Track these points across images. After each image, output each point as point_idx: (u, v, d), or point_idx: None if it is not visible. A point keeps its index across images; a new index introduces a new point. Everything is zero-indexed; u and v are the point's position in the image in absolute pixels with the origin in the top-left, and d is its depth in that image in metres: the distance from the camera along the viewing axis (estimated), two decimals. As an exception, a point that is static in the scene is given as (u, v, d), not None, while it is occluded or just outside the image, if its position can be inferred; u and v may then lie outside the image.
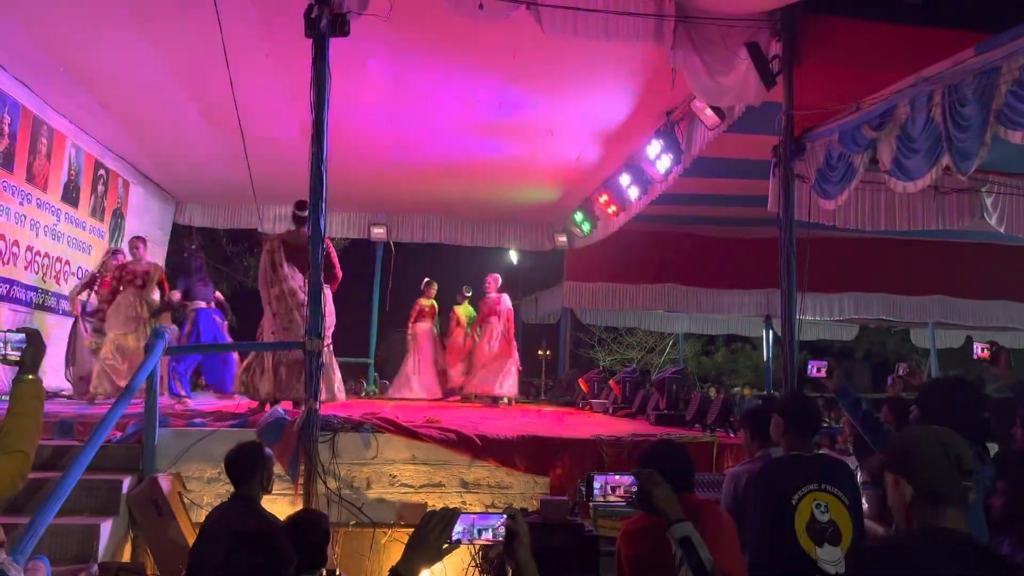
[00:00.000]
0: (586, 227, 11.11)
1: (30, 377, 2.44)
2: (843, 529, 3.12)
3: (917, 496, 1.90)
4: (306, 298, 5.74)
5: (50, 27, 6.28)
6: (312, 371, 5.13)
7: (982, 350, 4.32)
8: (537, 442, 5.59)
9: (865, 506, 4.14)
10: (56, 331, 8.28)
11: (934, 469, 1.88)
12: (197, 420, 5.60)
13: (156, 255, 11.04)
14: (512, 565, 1.92)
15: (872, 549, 2.13)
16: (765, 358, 13.97)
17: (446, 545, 1.78)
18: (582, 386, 11.45)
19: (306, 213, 6.21)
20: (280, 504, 5.01)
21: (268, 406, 6.08)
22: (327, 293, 6.20)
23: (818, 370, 3.97)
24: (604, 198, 9.81)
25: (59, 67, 6.96)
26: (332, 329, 6.42)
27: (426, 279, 10.83)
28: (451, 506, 1.89)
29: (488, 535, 1.90)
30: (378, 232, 12.05)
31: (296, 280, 6.35)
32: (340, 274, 6.59)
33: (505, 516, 1.93)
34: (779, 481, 3.10)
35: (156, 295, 7.53)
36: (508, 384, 9.91)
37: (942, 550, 1.82)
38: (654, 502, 2.31)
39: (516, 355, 10.10)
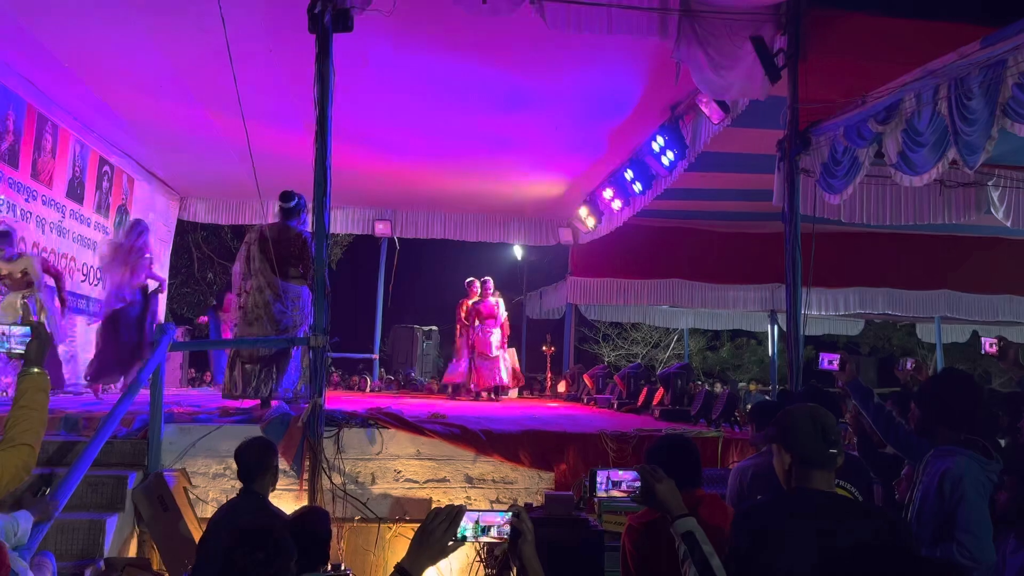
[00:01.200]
0: (591, 222, 11.10)
1: (35, 370, 2.45)
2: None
3: (792, 462, 2.23)
4: (273, 297, 5.90)
5: (54, 24, 6.28)
6: (317, 367, 5.15)
7: (991, 345, 4.31)
8: (542, 437, 5.59)
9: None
10: (67, 328, 8.31)
11: (804, 439, 2.22)
12: (202, 415, 5.61)
13: (161, 251, 11.08)
14: (516, 562, 1.92)
15: (749, 508, 2.39)
16: (770, 353, 13.94)
17: (451, 542, 1.79)
18: (588, 381, 11.45)
19: (291, 204, 6.27)
20: (285, 499, 5.03)
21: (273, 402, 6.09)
22: (304, 290, 6.06)
23: (830, 362, 3.96)
24: (609, 192, 9.81)
25: (63, 63, 6.97)
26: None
27: (469, 279, 10.77)
28: (456, 502, 1.90)
29: (493, 532, 1.90)
30: (382, 228, 12.06)
31: (266, 275, 6.00)
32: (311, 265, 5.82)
33: (510, 514, 1.93)
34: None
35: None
36: (508, 377, 10.37)
37: (810, 506, 2.16)
38: (657, 497, 2.31)
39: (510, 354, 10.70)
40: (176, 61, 6.83)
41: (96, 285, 9.16)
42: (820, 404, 3.45)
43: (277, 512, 3.73)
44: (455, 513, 1.81)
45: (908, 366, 4.54)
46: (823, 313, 12.63)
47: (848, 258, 10.86)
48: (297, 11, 5.13)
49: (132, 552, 4.66)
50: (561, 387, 12.16)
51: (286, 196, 6.28)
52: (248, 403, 6.35)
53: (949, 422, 3.08)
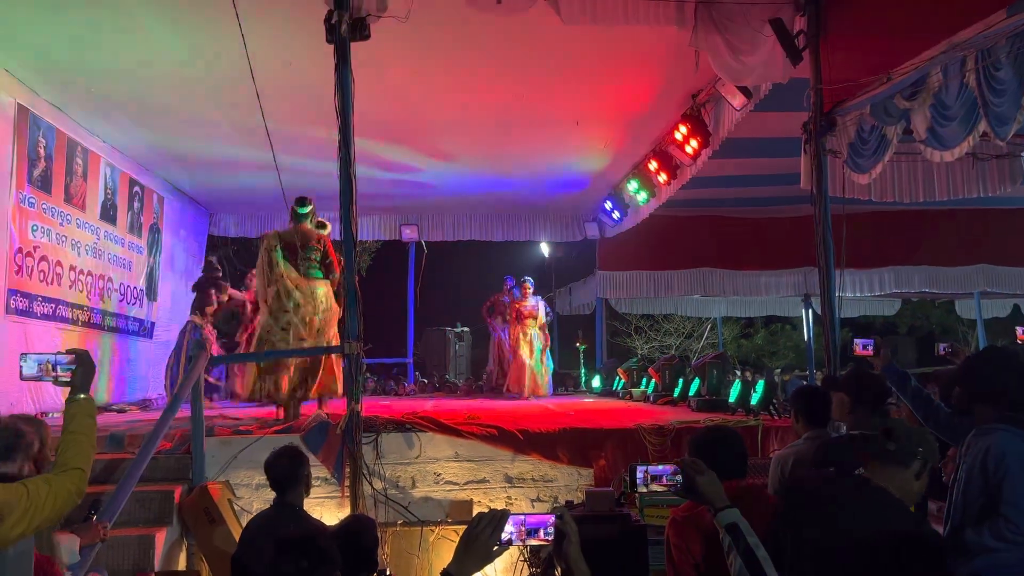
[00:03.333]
0: (617, 215, 11.04)
1: (82, 396, 2.51)
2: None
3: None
4: (303, 299, 6.20)
5: (80, 47, 6.40)
6: (352, 373, 5.19)
7: (944, 350, 4.30)
8: (579, 434, 5.60)
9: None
10: (100, 348, 8.49)
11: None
12: (242, 428, 5.69)
13: (193, 266, 11.25)
14: (562, 564, 1.92)
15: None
16: (805, 338, 13.77)
17: (496, 547, 1.79)
18: (622, 375, 11.42)
19: (306, 210, 6.56)
20: (327, 507, 5.09)
21: (281, 410, 6.17)
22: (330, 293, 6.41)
23: (864, 347, 3.93)
24: (633, 184, 9.75)
25: (90, 87, 7.11)
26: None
27: (524, 278, 10.65)
28: (496, 502, 1.91)
29: (539, 535, 1.90)
30: (409, 233, 12.12)
31: (292, 278, 6.23)
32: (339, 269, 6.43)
33: (554, 516, 1.93)
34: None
35: None
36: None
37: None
38: (699, 490, 2.30)
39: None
40: (199, 78, 6.93)
41: (134, 304, 9.33)
42: (869, 382, 3.42)
43: (313, 522, 3.76)
44: (499, 517, 1.81)
45: (942, 351, 4.48)
46: (858, 295, 12.46)
47: (881, 237, 10.70)
48: (315, 21, 5.18)
49: (182, 565, 4.75)
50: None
51: (302, 201, 6.57)
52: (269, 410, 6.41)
53: (990, 399, 3.04)
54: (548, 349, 10.42)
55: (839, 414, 3.44)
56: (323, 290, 6.35)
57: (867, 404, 3.31)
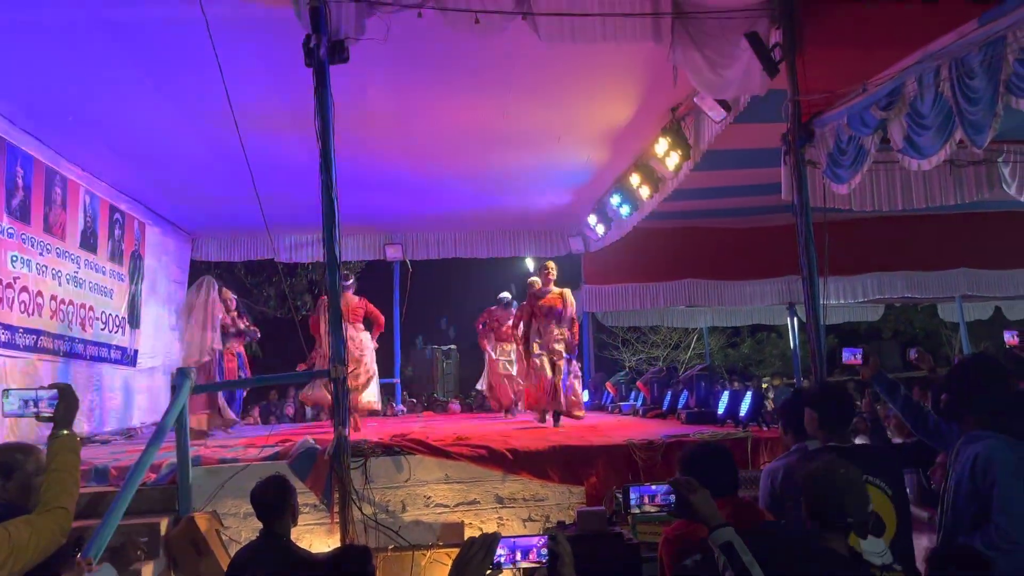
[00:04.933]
0: (600, 229, 11.07)
1: (65, 432, 2.47)
2: (886, 519, 3.08)
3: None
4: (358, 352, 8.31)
5: (56, 76, 6.36)
6: (339, 397, 5.15)
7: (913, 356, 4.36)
8: (569, 452, 5.57)
9: (907, 491, 4.07)
10: (83, 378, 8.39)
11: (823, 505, 2.48)
12: (228, 456, 5.63)
13: (175, 292, 11.17)
14: None
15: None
16: (792, 345, 13.83)
17: (489, 571, 1.78)
18: (610, 389, 11.42)
19: (349, 283, 8.87)
20: (317, 533, 5.04)
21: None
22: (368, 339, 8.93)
23: (852, 356, 3.96)
24: (616, 199, 9.77)
25: (68, 116, 7.06)
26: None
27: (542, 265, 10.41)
28: (488, 523, 1.89)
29: (531, 557, 1.89)
30: (393, 252, 12.11)
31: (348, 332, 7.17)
32: (382, 320, 9.18)
33: (547, 537, 1.92)
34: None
35: None
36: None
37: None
38: (693, 509, 2.29)
39: None
40: (177, 103, 6.90)
41: (116, 332, 9.24)
42: (834, 398, 3.44)
43: (301, 553, 3.71)
44: (491, 541, 1.80)
45: (912, 356, 4.53)
46: (842, 301, 12.51)
47: (863, 244, 10.75)
48: (293, 43, 5.18)
49: (170, 598, 4.67)
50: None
51: (344, 276, 7.78)
52: (272, 438, 6.37)
53: (977, 407, 3.06)
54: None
55: (810, 429, 3.46)
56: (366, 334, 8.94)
57: (832, 418, 3.33)
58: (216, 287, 8.74)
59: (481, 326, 10.56)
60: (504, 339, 10.18)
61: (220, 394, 8.42)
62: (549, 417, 8.11)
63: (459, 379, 16.36)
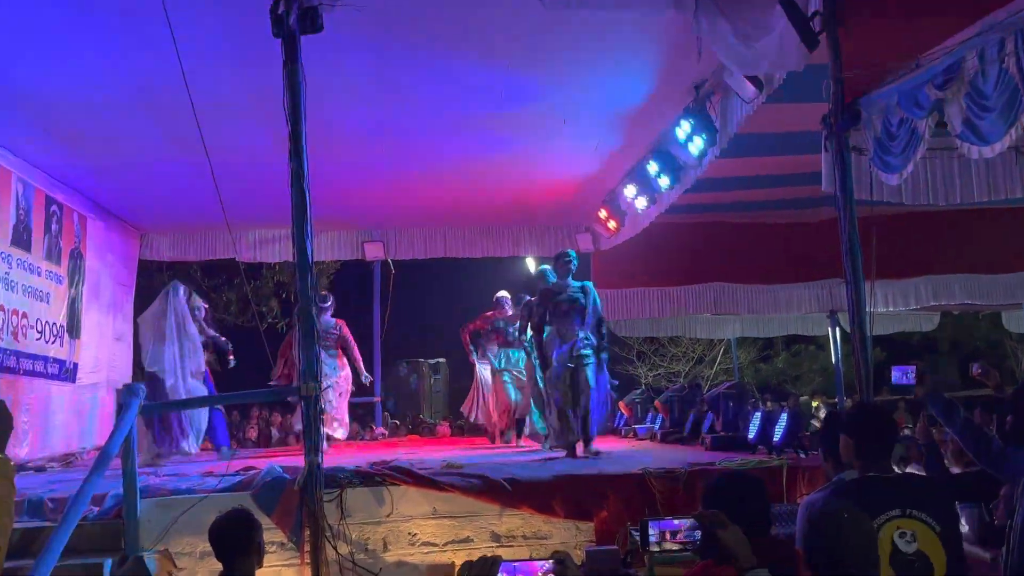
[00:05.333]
0: (613, 224, 11.07)
1: (-4, 456, 2.47)
2: (934, 560, 3.07)
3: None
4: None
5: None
6: (310, 418, 5.15)
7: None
8: (576, 482, 5.59)
9: (964, 528, 4.09)
10: (24, 395, 8.38)
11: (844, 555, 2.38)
12: (183, 485, 5.63)
13: (122, 296, 11.17)
14: None
15: None
16: (833, 360, 13.84)
17: None
18: (623, 409, 11.43)
19: (327, 304, 9.80)
20: (286, 576, 5.03)
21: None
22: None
23: (905, 375, 3.96)
24: (631, 190, 9.79)
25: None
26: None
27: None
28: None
29: None
30: (373, 250, 12.11)
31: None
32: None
33: (552, 561, 1.93)
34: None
35: None
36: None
37: None
38: (722, 547, 2.30)
39: None
40: (126, 79, 6.91)
41: (53, 343, 9.24)
42: (873, 422, 3.44)
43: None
44: (490, 564, 1.81)
45: (974, 371, 4.53)
46: (891, 309, 12.52)
47: (916, 243, 10.79)
48: (259, 13, 5.19)
49: (114, 651, 4.66)
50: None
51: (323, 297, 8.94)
52: (235, 466, 6.37)
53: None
54: None
55: (846, 456, 3.46)
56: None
57: (870, 445, 3.33)
58: (184, 293, 8.93)
59: (468, 335, 10.60)
60: (509, 345, 10.09)
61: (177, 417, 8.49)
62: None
63: (449, 397, 16.37)
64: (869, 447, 3.34)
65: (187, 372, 8.53)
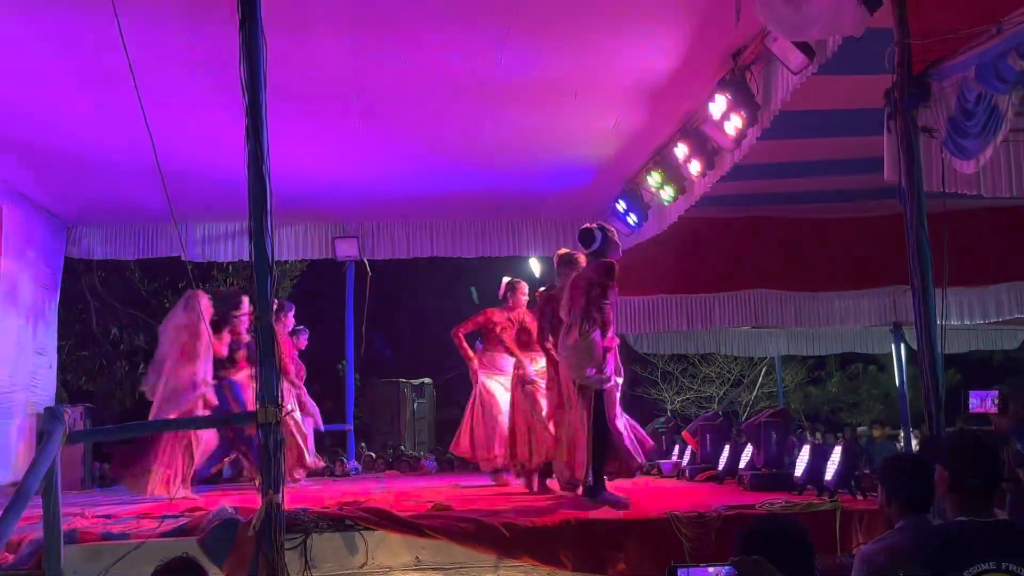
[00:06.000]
0: (633, 218, 11.07)
1: None
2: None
3: None
4: None
5: None
6: (270, 450, 5.15)
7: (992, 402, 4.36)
8: (588, 527, 5.58)
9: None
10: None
11: None
12: (115, 530, 5.63)
13: (44, 301, 11.16)
14: None
15: None
16: (898, 383, 13.85)
17: None
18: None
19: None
20: (238, 639, 5.02)
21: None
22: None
23: (984, 402, 3.96)
24: (656, 177, 9.76)
25: None
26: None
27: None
28: None
29: None
30: (345, 249, 12.11)
31: None
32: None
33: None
34: (941, 558, 3.07)
35: None
36: None
37: None
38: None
39: None
40: (53, 44, 6.92)
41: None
42: (977, 452, 3.45)
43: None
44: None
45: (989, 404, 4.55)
46: (967, 323, 12.56)
47: (996, 244, 10.79)
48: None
49: None
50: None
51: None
52: (177, 506, 6.37)
53: None
54: None
55: (940, 492, 3.47)
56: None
57: (972, 481, 3.33)
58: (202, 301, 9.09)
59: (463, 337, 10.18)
60: (526, 348, 9.33)
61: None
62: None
63: (435, 425, 16.38)
64: (970, 483, 3.34)
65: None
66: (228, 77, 5.23)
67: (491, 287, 12.00)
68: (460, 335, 9.39)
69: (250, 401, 8.78)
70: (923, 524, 3.64)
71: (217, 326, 9.07)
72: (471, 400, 9.53)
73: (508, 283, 9.48)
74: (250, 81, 5.11)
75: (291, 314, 10.20)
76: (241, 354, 9.31)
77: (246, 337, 9.25)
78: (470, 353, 9.43)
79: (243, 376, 9.21)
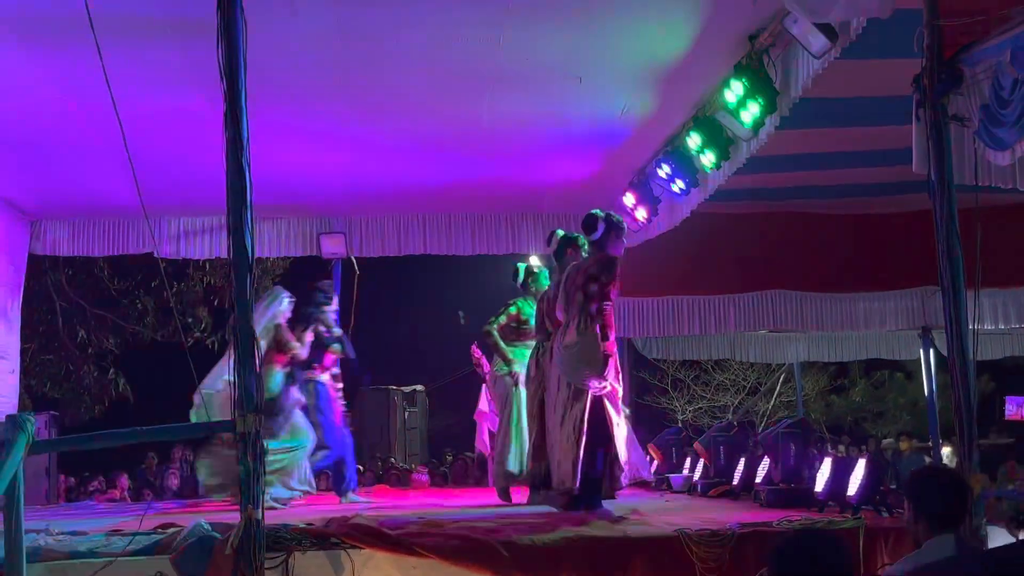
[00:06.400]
0: (642, 213, 11.03)
1: None
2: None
3: None
4: None
5: None
6: (249, 462, 5.14)
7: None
8: (592, 545, 5.58)
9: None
10: None
11: None
12: (82, 547, 5.62)
13: (8, 299, 11.14)
14: None
15: None
16: (926, 391, 13.85)
17: None
18: (653, 453, 11.43)
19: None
20: (215, 665, 5.03)
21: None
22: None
23: (1021, 409, 3.96)
24: (666, 169, 9.74)
25: None
26: None
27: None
28: None
29: None
30: (332, 246, 12.11)
31: None
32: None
33: None
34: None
35: None
36: None
37: None
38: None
39: None
40: (14, 23, 6.92)
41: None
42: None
43: None
44: None
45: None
46: (1002, 327, 12.55)
47: (1033, 242, 10.80)
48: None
49: None
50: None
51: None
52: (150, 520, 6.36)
53: None
54: None
55: (992, 515, 3.48)
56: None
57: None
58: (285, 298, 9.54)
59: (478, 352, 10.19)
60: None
61: None
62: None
63: (428, 435, 16.37)
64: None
65: None
66: (206, 59, 5.22)
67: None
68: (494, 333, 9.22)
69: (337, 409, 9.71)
70: (953, 544, 3.64)
71: (302, 322, 9.52)
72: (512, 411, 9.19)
73: (527, 269, 9.55)
74: (229, 64, 5.11)
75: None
76: (329, 353, 9.72)
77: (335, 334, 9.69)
78: (508, 355, 9.20)
79: (327, 378, 9.70)
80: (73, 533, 6.28)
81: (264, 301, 9.32)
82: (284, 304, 9.47)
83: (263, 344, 8.88)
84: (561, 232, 8.29)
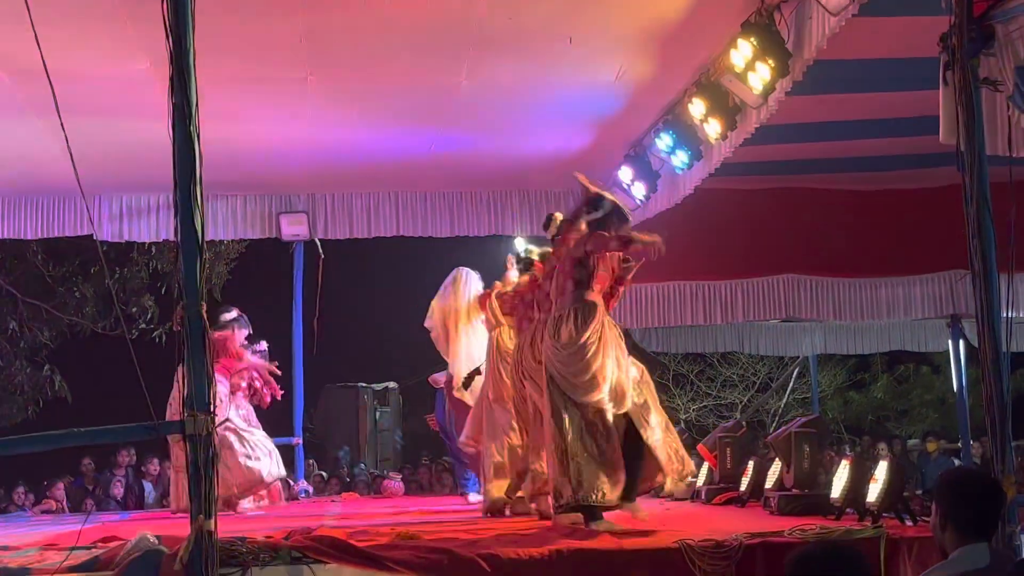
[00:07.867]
0: (639, 190, 11.07)
1: None
2: None
3: None
4: None
5: None
6: (200, 467, 5.14)
7: None
8: (586, 558, 5.58)
9: None
10: None
11: None
12: (12, 564, 5.61)
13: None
14: None
15: None
16: (955, 387, 13.92)
17: None
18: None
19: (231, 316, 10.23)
20: None
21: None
22: None
23: None
24: (666, 140, 9.76)
25: None
26: None
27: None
28: None
29: None
30: (293, 226, 12.09)
31: None
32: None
33: None
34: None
35: None
36: None
37: None
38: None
39: None
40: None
41: None
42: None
43: None
44: None
45: None
46: (1038, 314, 12.62)
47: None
48: None
49: None
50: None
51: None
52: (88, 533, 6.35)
53: None
54: None
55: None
56: None
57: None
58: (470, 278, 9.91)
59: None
60: None
61: None
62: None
63: (403, 438, 16.37)
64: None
65: None
66: (151, 13, 5.19)
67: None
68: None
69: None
70: (987, 553, 3.66)
71: None
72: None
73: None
74: (175, 21, 5.08)
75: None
76: None
77: None
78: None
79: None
80: (3, 548, 6.28)
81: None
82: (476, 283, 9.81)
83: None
84: (561, 216, 8.23)
